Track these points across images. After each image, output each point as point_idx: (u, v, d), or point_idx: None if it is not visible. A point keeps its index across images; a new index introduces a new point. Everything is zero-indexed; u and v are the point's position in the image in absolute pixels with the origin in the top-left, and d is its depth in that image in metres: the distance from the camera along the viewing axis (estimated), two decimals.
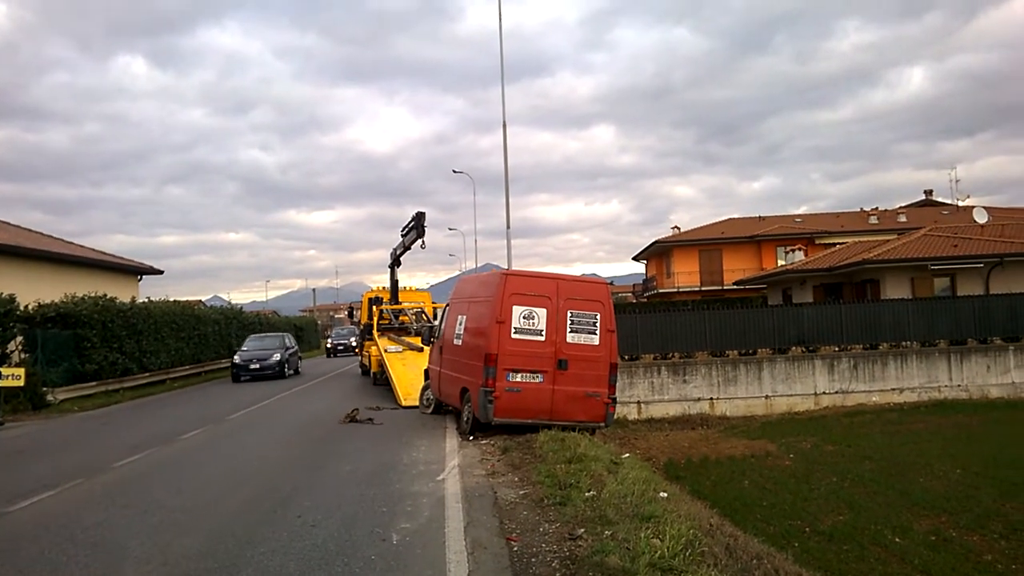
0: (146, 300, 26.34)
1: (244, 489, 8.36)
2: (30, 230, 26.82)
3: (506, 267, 24.09)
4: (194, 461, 10.46)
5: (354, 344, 41.18)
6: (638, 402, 22.91)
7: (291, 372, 27.23)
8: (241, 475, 9.25)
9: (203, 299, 59.11)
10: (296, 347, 29.88)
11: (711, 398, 23.08)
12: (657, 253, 52.06)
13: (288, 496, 7.75)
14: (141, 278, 30.21)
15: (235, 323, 34.27)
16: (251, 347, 27.05)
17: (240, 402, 18.17)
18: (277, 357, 26.06)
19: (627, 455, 10.37)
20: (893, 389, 23.32)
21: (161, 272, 31.29)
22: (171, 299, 28.75)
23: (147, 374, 23.88)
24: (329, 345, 46.20)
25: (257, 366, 25.48)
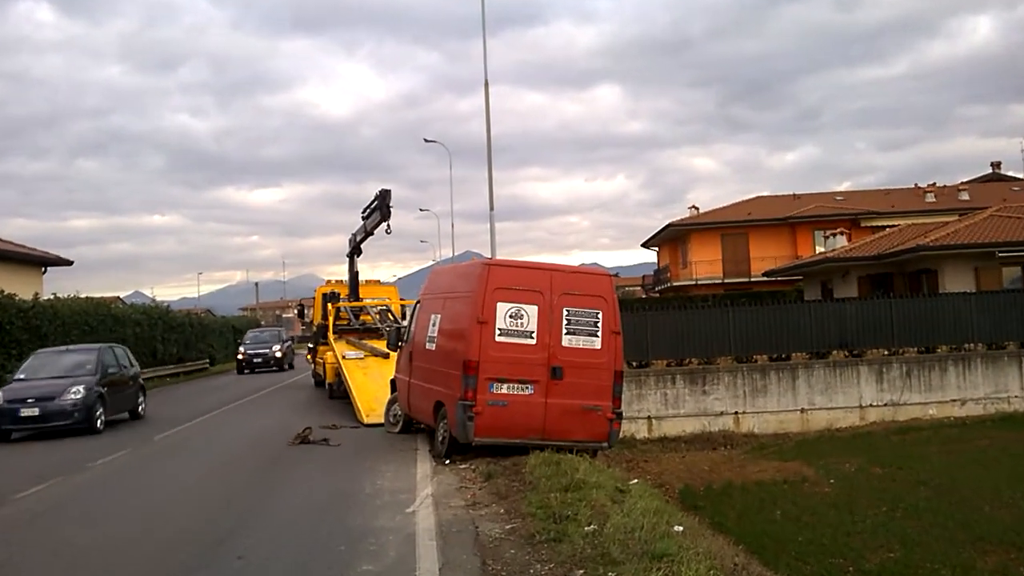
0: (52, 297, 26.15)
1: (173, 524, 8.36)
2: None
3: (489, 256, 24.14)
4: (112, 491, 10.44)
5: (278, 354, 37.59)
6: (648, 417, 23.04)
7: None
8: (170, 507, 9.25)
9: (122, 295, 58.97)
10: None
11: (736, 412, 23.23)
12: (671, 239, 52.27)
13: (227, 533, 7.77)
14: (46, 270, 30.03)
15: (160, 324, 34.12)
16: None
17: (169, 419, 18.12)
18: None
19: (635, 481, 10.45)
20: (953, 400, 23.55)
21: (70, 263, 31.16)
22: (83, 296, 28.61)
23: None
24: (241, 356, 37.53)
25: None
